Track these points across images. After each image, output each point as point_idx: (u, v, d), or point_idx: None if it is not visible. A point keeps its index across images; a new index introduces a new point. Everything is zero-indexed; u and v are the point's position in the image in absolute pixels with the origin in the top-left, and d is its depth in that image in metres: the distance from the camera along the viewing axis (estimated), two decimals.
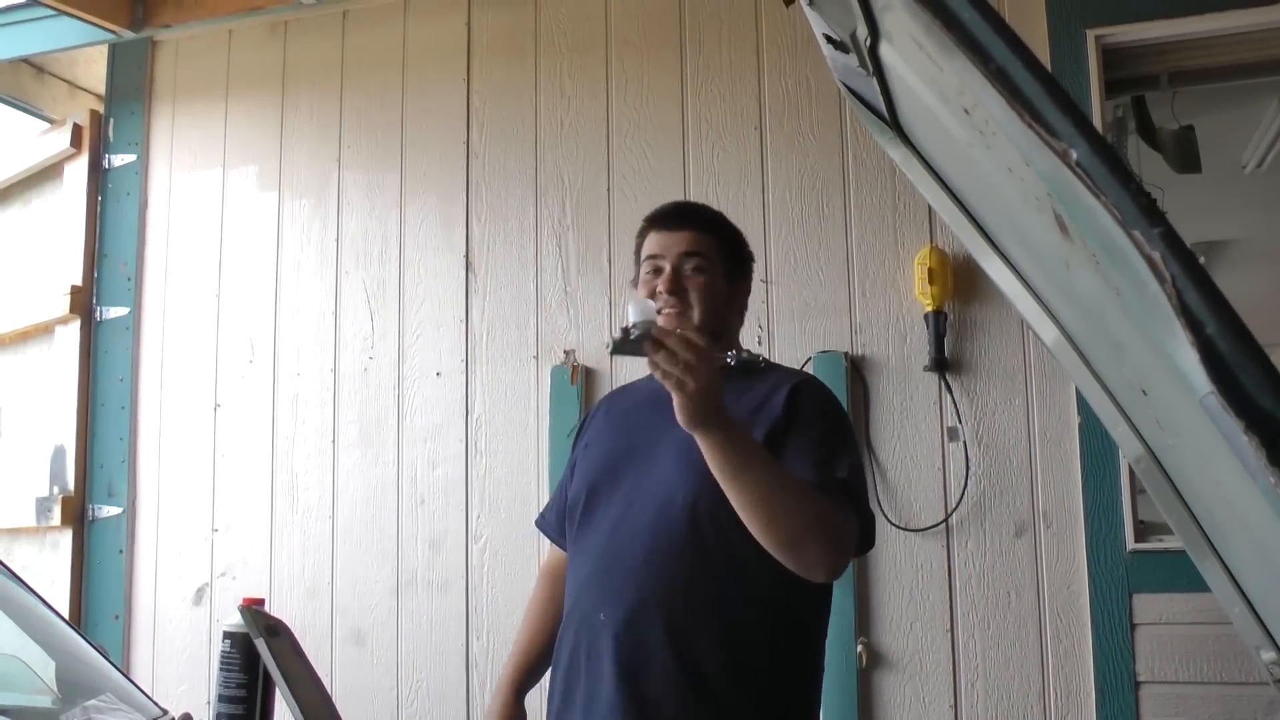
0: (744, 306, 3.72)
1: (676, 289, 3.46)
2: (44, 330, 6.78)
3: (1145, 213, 1.34)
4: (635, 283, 3.63)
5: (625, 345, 2.94)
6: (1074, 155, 1.39)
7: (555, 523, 3.80)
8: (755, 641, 3.33)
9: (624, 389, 3.94)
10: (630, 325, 2.94)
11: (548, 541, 3.89)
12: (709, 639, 3.29)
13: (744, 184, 5.50)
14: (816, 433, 3.40)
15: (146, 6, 6.59)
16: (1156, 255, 1.32)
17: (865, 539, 3.39)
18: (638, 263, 3.63)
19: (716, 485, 3.16)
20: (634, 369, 4.67)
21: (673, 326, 3.24)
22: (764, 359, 3.77)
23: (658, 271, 3.51)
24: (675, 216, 3.62)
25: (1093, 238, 1.56)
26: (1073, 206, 1.53)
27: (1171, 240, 1.32)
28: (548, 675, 3.63)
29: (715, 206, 3.88)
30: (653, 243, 3.56)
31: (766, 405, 3.44)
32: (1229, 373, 1.30)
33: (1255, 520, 1.55)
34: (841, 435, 3.49)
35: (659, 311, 3.40)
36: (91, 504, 6.44)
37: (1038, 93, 1.44)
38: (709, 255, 3.53)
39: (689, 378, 2.91)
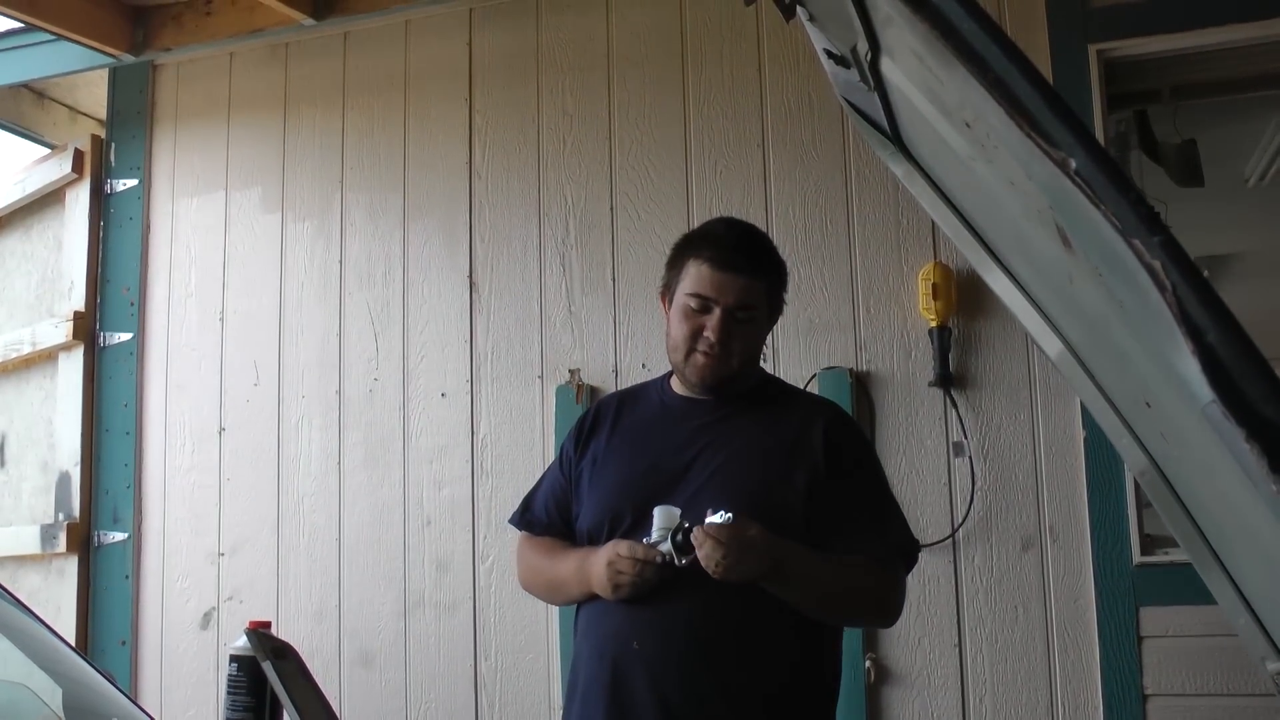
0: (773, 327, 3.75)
1: (725, 338, 3.44)
2: (48, 357, 6.78)
3: (1145, 221, 1.34)
4: (666, 295, 3.60)
5: (673, 563, 3.25)
6: (1073, 164, 1.39)
7: (550, 515, 3.75)
8: (786, 662, 3.40)
9: (629, 395, 3.88)
10: (666, 542, 3.25)
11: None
12: (744, 663, 3.34)
13: (747, 201, 5.49)
14: (866, 495, 3.53)
15: (147, 30, 6.60)
16: (1157, 264, 1.31)
17: (913, 564, 3.60)
18: (674, 274, 3.56)
19: (754, 516, 3.26)
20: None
21: (707, 371, 3.48)
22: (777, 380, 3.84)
23: (704, 310, 3.44)
24: (735, 259, 3.46)
25: (1094, 249, 1.56)
26: (1073, 217, 1.53)
27: (1172, 248, 1.32)
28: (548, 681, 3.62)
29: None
30: (705, 280, 3.44)
31: (803, 442, 3.49)
32: (1230, 381, 1.30)
33: (1259, 530, 1.55)
34: (883, 484, 3.64)
35: (697, 349, 3.47)
36: (97, 530, 6.43)
37: (1036, 102, 1.44)
38: (759, 304, 3.50)
39: (729, 572, 3.15)
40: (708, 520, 3.15)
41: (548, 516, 3.75)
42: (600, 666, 3.42)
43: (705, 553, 3.13)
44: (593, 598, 3.48)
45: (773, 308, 3.59)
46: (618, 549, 3.30)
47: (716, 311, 3.42)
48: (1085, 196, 1.39)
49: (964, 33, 1.51)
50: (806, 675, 3.44)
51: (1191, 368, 1.33)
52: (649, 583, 3.27)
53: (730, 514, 3.16)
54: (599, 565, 3.35)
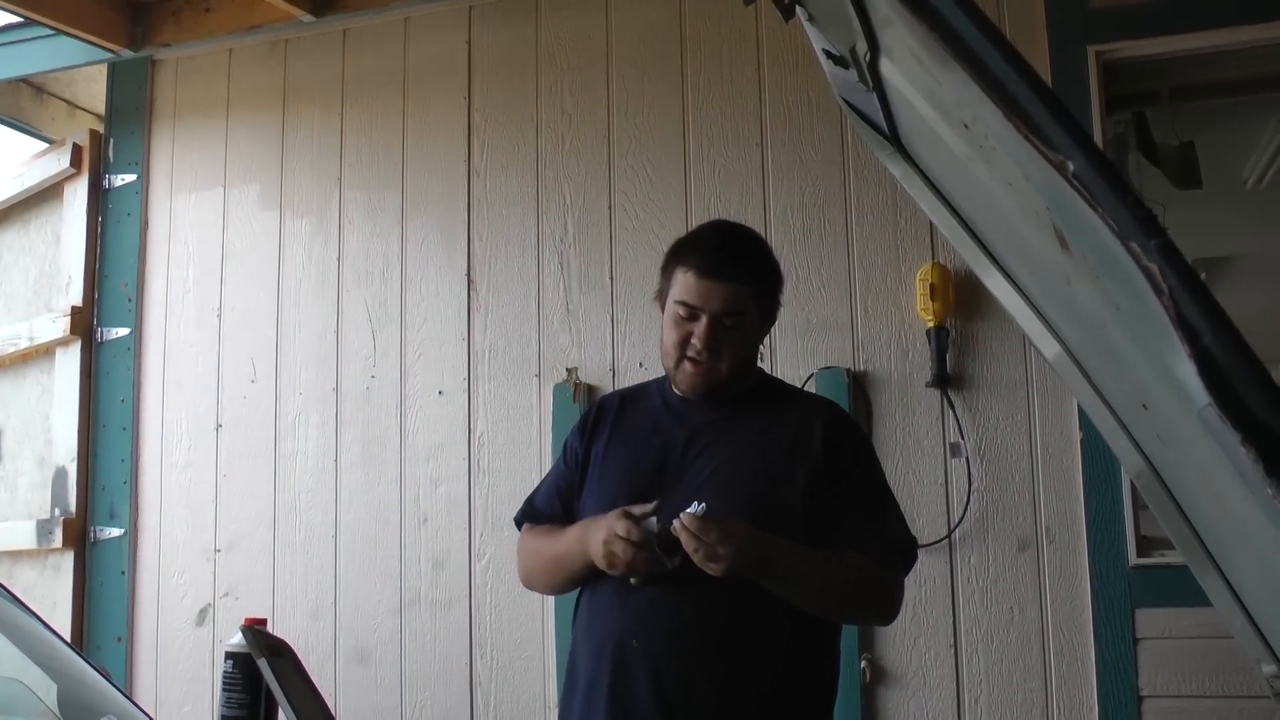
0: (768, 330, 3.73)
1: (712, 346, 3.44)
2: (45, 352, 6.78)
3: (1142, 224, 1.34)
4: (660, 301, 3.59)
5: (662, 566, 3.28)
6: (1071, 167, 1.39)
7: (554, 506, 3.74)
8: (786, 660, 3.41)
9: (630, 394, 3.88)
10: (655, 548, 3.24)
11: None
12: (743, 662, 3.35)
13: (745, 201, 5.50)
14: (865, 492, 3.54)
15: (146, 25, 6.59)
16: (1154, 267, 1.31)
17: (912, 563, 3.60)
18: (665, 281, 3.56)
19: (750, 516, 3.30)
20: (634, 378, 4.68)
21: (697, 380, 3.51)
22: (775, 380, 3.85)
23: (692, 318, 3.44)
24: (719, 266, 3.44)
25: (1092, 251, 1.56)
26: (1071, 219, 1.53)
27: (1168, 252, 1.32)
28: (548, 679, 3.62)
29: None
30: (691, 288, 3.44)
31: (802, 440, 3.50)
32: (1226, 384, 1.30)
33: (1255, 532, 1.55)
34: (881, 482, 3.64)
35: (686, 355, 3.48)
36: (93, 526, 6.43)
37: (1034, 104, 1.44)
38: (747, 310, 3.48)
39: (714, 563, 3.17)
40: (682, 514, 3.16)
41: (550, 508, 3.75)
42: (600, 665, 3.42)
43: (684, 543, 3.15)
44: (592, 589, 3.51)
45: (765, 311, 3.58)
46: (614, 527, 3.29)
47: (703, 320, 3.42)
48: (1082, 199, 1.39)
49: (962, 34, 1.51)
50: (805, 674, 3.44)
51: (1188, 371, 1.33)
52: (639, 571, 3.28)
53: (704, 504, 3.17)
54: (599, 533, 3.35)
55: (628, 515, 3.29)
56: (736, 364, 3.51)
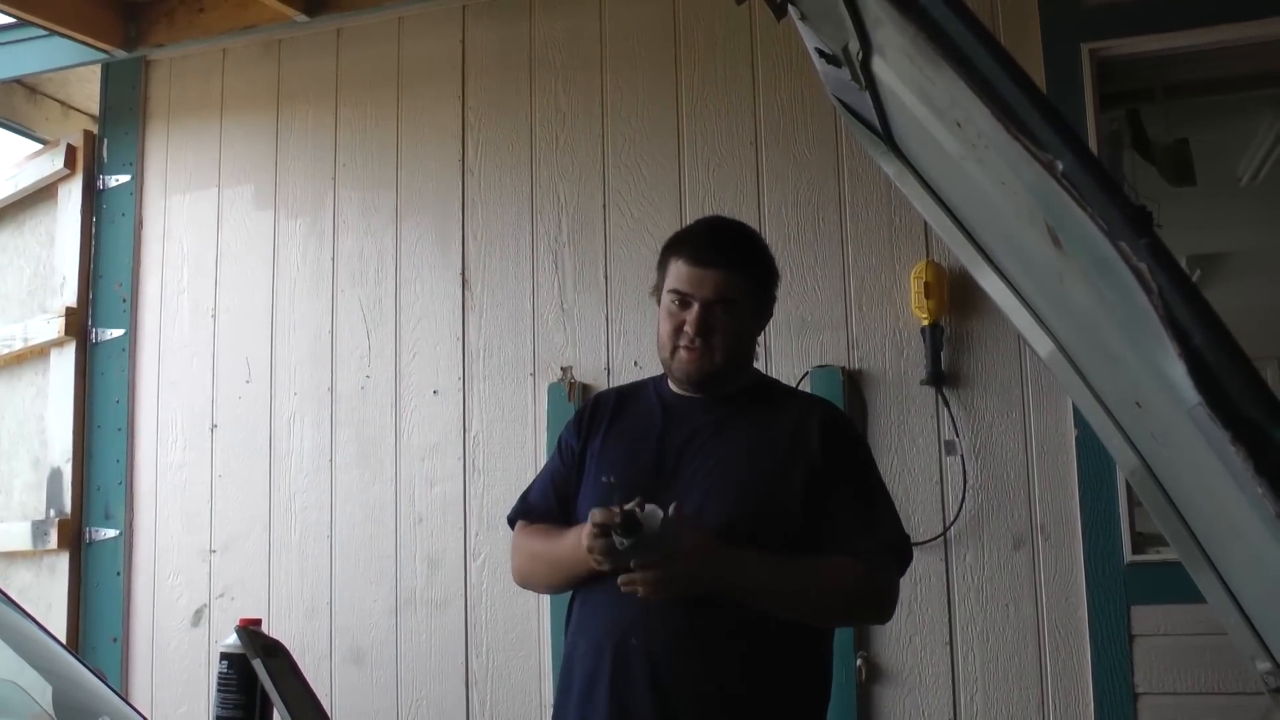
0: (763, 328, 3.74)
1: (704, 332, 3.46)
2: (39, 353, 6.77)
3: (1131, 223, 1.34)
4: (656, 295, 3.61)
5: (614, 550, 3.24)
6: (1060, 167, 1.39)
7: (549, 501, 3.73)
8: (780, 659, 3.40)
9: (627, 392, 3.87)
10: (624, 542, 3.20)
11: None
12: (741, 660, 3.35)
13: (740, 199, 5.49)
14: (860, 492, 3.54)
15: (139, 26, 6.58)
16: (1143, 266, 1.32)
17: (906, 561, 3.60)
18: (660, 275, 3.58)
19: (748, 514, 3.36)
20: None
21: (691, 367, 3.52)
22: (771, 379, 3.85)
23: (684, 306, 3.47)
24: (710, 254, 3.48)
25: (1083, 250, 1.56)
26: (1062, 219, 1.54)
27: (1158, 251, 1.32)
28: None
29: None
30: (683, 276, 3.47)
31: (798, 440, 3.50)
32: (1216, 383, 1.30)
33: (1247, 530, 1.55)
34: (877, 481, 3.64)
35: (680, 344, 3.50)
36: (89, 526, 6.42)
37: (1023, 104, 1.44)
38: (739, 297, 3.49)
39: (659, 590, 3.24)
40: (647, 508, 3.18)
41: (546, 506, 3.73)
42: (599, 662, 3.42)
43: (640, 573, 3.21)
44: (589, 588, 3.50)
45: (758, 302, 3.59)
46: (586, 526, 3.30)
47: (695, 306, 3.44)
48: (1072, 199, 1.39)
49: (951, 35, 1.51)
50: (802, 672, 3.45)
51: (1178, 370, 1.33)
52: (606, 557, 3.27)
53: (613, 478, 3.27)
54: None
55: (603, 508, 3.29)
56: (730, 352, 3.51)
